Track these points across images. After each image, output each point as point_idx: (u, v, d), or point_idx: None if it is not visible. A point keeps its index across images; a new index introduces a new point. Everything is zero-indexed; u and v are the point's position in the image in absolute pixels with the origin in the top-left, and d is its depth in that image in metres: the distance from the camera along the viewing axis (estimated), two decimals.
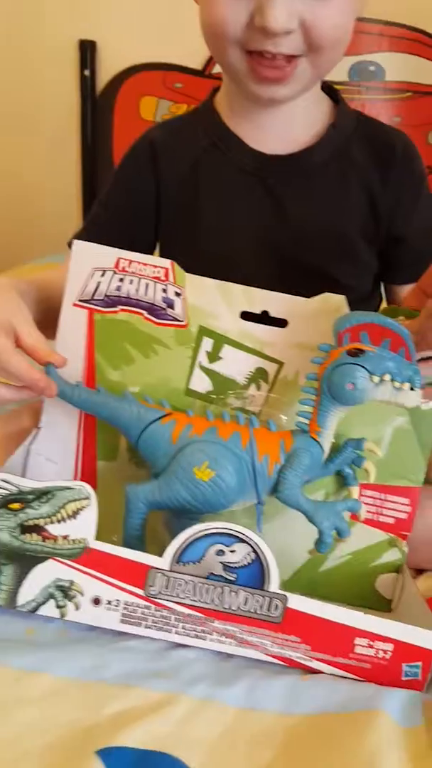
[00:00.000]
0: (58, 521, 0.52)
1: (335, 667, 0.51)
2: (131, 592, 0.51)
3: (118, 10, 1.61)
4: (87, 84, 1.66)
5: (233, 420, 0.56)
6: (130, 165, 0.79)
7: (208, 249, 0.75)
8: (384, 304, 0.83)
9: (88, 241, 0.62)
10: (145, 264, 0.60)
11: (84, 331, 0.61)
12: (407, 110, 1.64)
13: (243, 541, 0.51)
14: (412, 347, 0.53)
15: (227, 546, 0.52)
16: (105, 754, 0.42)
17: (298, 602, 0.51)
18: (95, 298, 0.60)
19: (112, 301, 0.60)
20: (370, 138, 0.76)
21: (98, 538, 0.52)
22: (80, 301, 0.61)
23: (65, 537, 0.51)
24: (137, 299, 0.60)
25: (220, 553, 0.52)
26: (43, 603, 0.52)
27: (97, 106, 1.68)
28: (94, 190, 1.70)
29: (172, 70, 1.66)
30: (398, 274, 0.79)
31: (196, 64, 1.64)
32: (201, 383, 0.61)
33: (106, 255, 0.60)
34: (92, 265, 0.60)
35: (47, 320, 0.63)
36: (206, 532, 0.52)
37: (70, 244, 0.64)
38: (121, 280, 0.60)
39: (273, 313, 0.60)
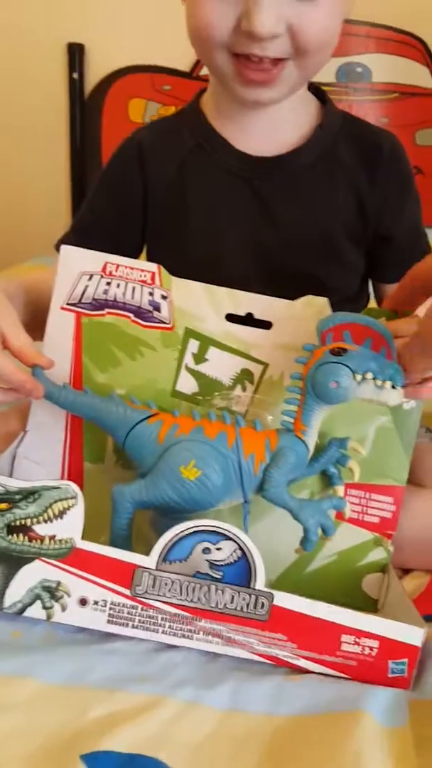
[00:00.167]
0: (45, 521, 0.52)
1: (322, 665, 0.52)
2: (118, 592, 0.52)
3: (106, 13, 1.62)
4: (76, 86, 1.66)
5: (219, 419, 0.57)
6: (118, 167, 0.79)
7: (195, 250, 0.75)
8: (372, 304, 0.84)
9: (75, 242, 0.62)
10: (132, 268, 0.60)
11: (71, 334, 0.61)
12: (394, 111, 1.65)
13: (229, 538, 0.52)
14: (394, 346, 0.53)
15: (213, 544, 0.52)
16: (90, 758, 0.42)
17: (285, 600, 0.51)
18: (83, 301, 0.61)
19: (99, 305, 0.61)
20: (357, 138, 0.76)
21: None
22: (68, 304, 0.61)
23: (52, 537, 0.52)
24: (124, 302, 0.61)
25: (207, 551, 0.52)
26: (30, 604, 0.52)
27: (85, 108, 1.69)
28: (83, 192, 1.70)
29: (160, 72, 1.66)
30: (386, 273, 0.79)
31: (184, 66, 1.64)
32: (187, 385, 0.61)
33: (94, 259, 0.60)
34: (80, 269, 0.60)
35: (35, 322, 0.63)
36: (193, 530, 0.52)
37: (57, 246, 0.65)
38: (108, 283, 0.60)
39: (257, 316, 0.60)
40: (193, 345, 0.61)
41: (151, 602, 0.52)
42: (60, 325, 0.61)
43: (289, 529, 0.56)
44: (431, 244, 0.82)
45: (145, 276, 0.61)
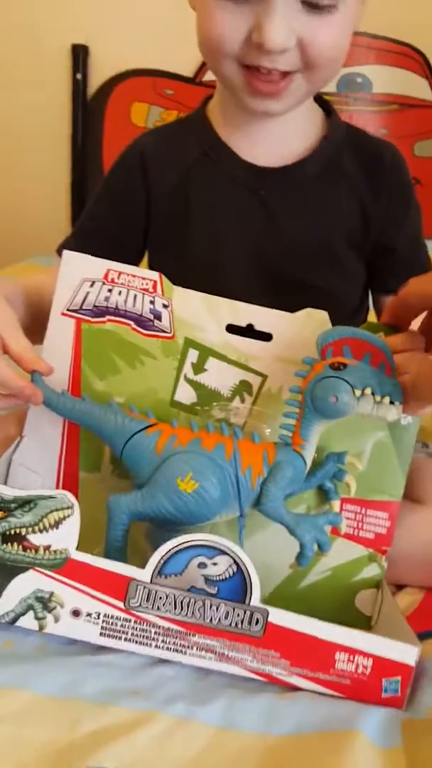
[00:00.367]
0: (40, 531, 0.51)
1: (316, 683, 0.51)
2: (112, 605, 0.51)
3: (111, 16, 1.62)
4: (79, 87, 1.66)
5: (217, 431, 0.57)
6: (120, 174, 0.78)
7: (197, 258, 0.75)
8: (372, 317, 0.84)
9: (77, 247, 0.62)
10: (133, 276, 0.60)
11: (71, 340, 0.61)
12: (394, 122, 1.66)
13: (225, 553, 0.51)
14: (392, 362, 0.53)
15: (209, 558, 0.52)
16: None
17: (280, 616, 0.51)
18: (83, 308, 0.60)
19: (100, 312, 0.60)
20: (359, 148, 0.76)
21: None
22: (68, 310, 0.61)
23: (47, 547, 0.51)
24: (125, 310, 0.60)
25: (202, 565, 0.52)
26: (22, 614, 0.52)
27: (88, 109, 1.69)
28: (84, 194, 1.70)
29: (163, 76, 1.66)
30: (387, 282, 0.79)
31: (188, 71, 1.65)
32: (186, 395, 0.61)
33: (96, 266, 0.60)
34: (81, 275, 0.60)
35: (35, 325, 0.63)
36: (189, 544, 0.51)
37: (59, 251, 0.64)
38: (110, 291, 0.60)
39: (258, 327, 0.60)
40: (193, 355, 0.61)
41: (145, 616, 0.51)
42: (60, 331, 0.61)
43: (284, 544, 0.55)
44: (431, 256, 0.82)
45: (146, 284, 0.60)
